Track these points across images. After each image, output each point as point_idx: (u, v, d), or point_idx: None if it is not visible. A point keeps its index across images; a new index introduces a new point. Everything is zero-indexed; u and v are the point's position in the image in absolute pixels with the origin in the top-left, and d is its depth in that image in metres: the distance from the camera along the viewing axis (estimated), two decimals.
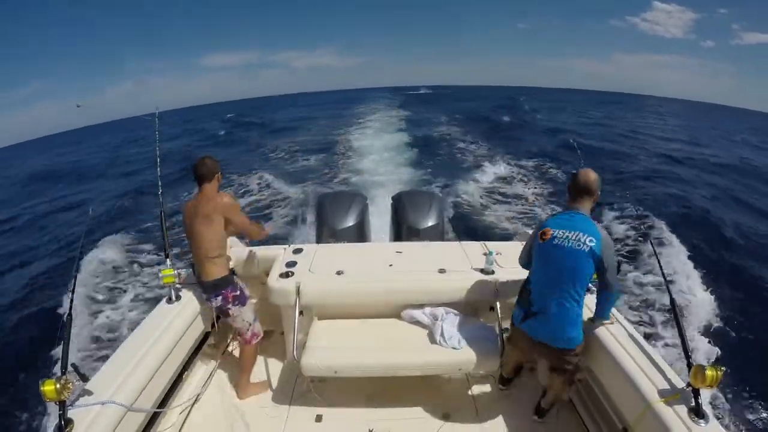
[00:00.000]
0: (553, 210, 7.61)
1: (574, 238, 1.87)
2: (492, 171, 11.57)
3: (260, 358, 2.87)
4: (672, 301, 2.01)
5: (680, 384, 1.75)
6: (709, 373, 1.60)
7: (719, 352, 4.41)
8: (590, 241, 1.83)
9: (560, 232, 1.91)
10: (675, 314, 1.97)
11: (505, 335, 2.39)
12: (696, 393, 1.63)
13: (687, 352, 1.76)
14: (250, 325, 2.49)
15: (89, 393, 1.70)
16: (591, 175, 1.95)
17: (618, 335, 2.04)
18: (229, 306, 2.40)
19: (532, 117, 26.88)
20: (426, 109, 31.87)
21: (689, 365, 1.68)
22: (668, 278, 2.14)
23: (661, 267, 2.37)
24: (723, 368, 1.63)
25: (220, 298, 2.37)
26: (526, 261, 2.21)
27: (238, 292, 2.43)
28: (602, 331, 2.09)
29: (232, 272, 2.47)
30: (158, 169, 2.80)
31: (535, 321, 2.02)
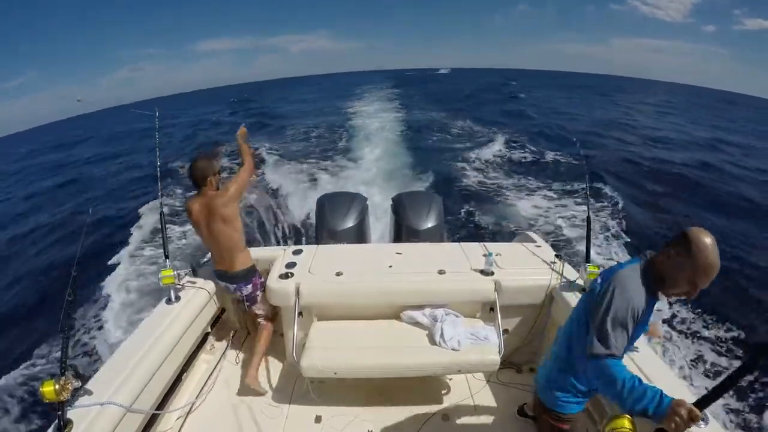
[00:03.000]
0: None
1: (598, 280, 1.50)
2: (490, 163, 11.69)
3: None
4: None
5: (680, 383, 1.75)
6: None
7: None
8: (595, 280, 1.49)
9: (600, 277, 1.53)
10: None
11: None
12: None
13: None
14: (269, 307, 2.68)
15: (88, 393, 1.70)
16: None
17: None
18: (258, 292, 2.62)
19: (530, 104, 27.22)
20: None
21: None
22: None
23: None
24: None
25: (250, 286, 2.58)
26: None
27: (262, 279, 2.66)
28: None
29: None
30: (158, 169, 2.81)
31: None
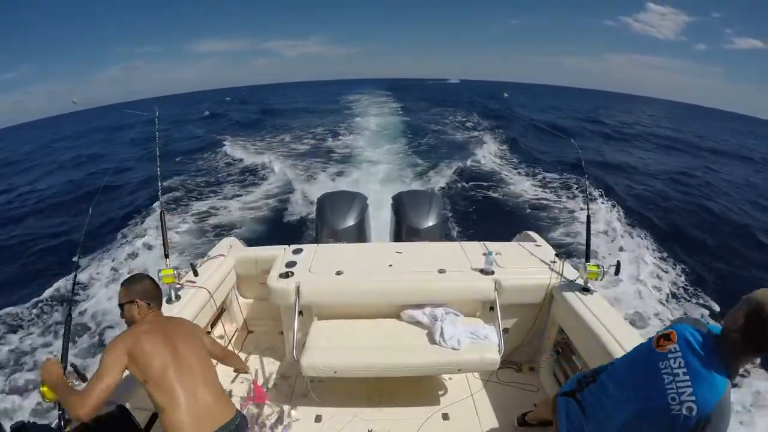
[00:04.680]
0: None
1: (680, 385, 1.25)
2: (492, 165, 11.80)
3: (260, 358, 2.87)
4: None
5: None
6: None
7: None
8: (688, 409, 1.21)
9: (678, 362, 1.28)
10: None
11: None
12: None
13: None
14: None
15: None
16: None
17: (617, 334, 2.04)
18: None
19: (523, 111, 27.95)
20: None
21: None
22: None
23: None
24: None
25: None
26: None
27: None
28: (601, 330, 2.09)
29: None
30: (158, 169, 2.80)
31: (569, 408, 1.64)
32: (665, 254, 7.05)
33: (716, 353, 1.25)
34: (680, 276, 6.46)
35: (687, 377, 1.25)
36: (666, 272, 6.53)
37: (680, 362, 1.28)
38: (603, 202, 9.28)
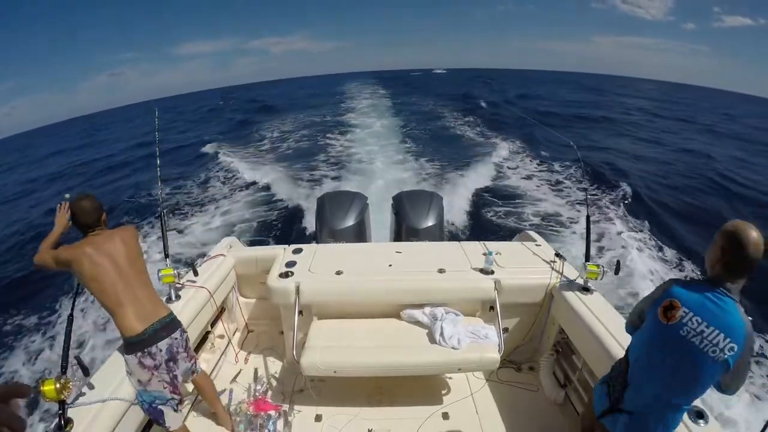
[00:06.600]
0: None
1: (711, 338, 1.31)
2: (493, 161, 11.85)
3: (260, 358, 2.87)
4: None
5: None
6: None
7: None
8: (730, 349, 1.29)
9: (695, 321, 1.34)
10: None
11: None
12: None
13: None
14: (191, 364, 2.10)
15: (91, 388, 1.72)
16: (760, 244, 1.30)
17: (617, 334, 2.05)
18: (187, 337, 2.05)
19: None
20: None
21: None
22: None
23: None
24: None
25: (184, 333, 2.02)
26: (633, 328, 1.63)
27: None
28: (600, 330, 2.10)
29: None
30: (158, 169, 2.80)
31: (620, 421, 1.55)
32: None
33: (716, 291, 1.35)
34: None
35: (712, 327, 1.32)
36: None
37: (697, 320, 1.35)
38: (610, 199, 9.26)
